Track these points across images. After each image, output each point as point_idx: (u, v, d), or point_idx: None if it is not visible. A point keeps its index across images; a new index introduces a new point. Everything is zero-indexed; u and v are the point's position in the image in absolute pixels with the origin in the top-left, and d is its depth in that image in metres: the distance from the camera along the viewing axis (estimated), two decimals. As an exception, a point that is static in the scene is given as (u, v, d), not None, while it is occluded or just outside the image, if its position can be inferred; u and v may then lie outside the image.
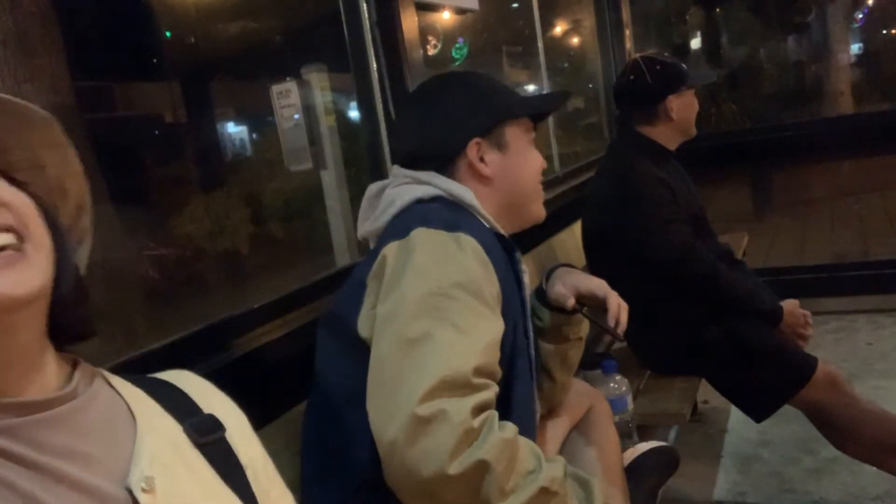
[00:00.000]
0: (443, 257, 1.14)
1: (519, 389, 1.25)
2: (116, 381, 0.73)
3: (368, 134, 2.19)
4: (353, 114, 2.41)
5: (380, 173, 2.16)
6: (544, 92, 1.56)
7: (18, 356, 0.65)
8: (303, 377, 1.33)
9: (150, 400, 0.74)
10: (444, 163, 1.36)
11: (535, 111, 1.44)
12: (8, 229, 0.63)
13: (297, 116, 2.33)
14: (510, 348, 1.22)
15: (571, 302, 1.41)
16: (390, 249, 1.18)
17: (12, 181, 0.68)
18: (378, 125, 2.15)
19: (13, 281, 0.62)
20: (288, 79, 2.30)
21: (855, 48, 8.01)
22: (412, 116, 1.45)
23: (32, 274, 0.64)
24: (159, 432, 0.71)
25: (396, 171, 1.41)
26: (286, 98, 2.30)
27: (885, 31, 8.40)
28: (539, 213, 1.45)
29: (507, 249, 1.30)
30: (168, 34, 2.63)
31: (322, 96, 2.37)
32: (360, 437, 1.13)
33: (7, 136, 0.70)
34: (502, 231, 1.33)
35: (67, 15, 1.18)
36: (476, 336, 1.08)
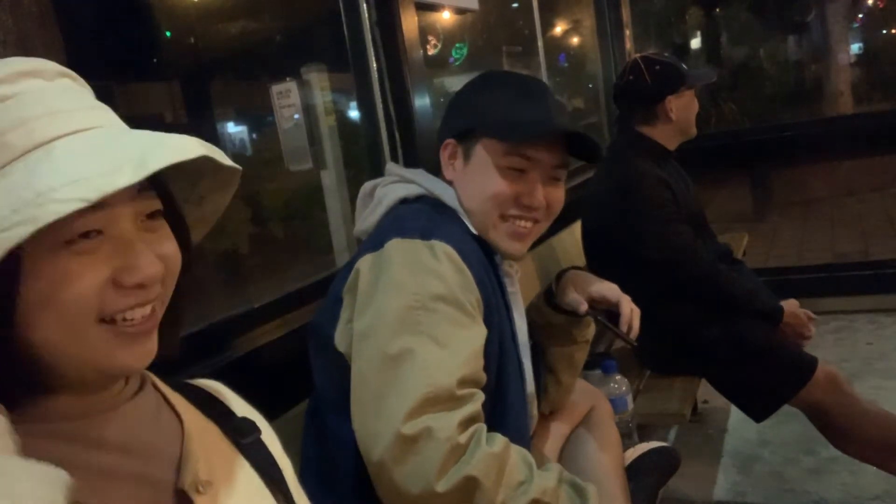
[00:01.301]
0: (418, 268, 1.12)
1: (510, 394, 1.24)
2: (160, 383, 0.74)
3: (368, 134, 2.19)
4: (353, 114, 2.41)
5: (380, 173, 2.16)
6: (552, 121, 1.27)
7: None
8: (303, 377, 1.33)
9: (189, 404, 0.74)
10: (438, 155, 1.36)
11: (505, 136, 1.25)
12: (156, 299, 0.63)
13: (297, 116, 2.33)
14: (497, 354, 1.21)
15: (584, 307, 1.39)
16: (364, 262, 1.17)
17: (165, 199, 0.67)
18: (378, 125, 2.15)
19: (140, 354, 0.63)
20: (288, 79, 2.29)
21: (855, 48, 8.01)
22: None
23: (155, 341, 0.64)
24: (204, 435, 0.72)
25: (389, 168, 1.41)
26: (286, 98, 2.30)
27: (885, 31, 8.40)
28: (504, 248, 1.29)
29: (487, 253, 1.28)
30: (168, 34, 2.63)
31: (322, 96, 2.37)
32: (346, 446, 1.13)
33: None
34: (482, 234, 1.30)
35: (67, 15, 1.18)
36: (457, 348, 1.07)
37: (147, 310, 0.62)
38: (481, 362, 1.12)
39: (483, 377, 1.12)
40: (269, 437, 0.80)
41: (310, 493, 0.83)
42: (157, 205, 0.64)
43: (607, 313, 1.45)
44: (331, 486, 1.20)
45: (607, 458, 1.47)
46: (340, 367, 1.15)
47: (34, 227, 0.52)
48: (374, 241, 1.21)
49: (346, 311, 1.18)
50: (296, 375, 1.38)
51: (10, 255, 0.53)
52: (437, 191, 1.30)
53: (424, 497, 0.99)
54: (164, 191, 0.66)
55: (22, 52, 1.06)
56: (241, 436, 0.75)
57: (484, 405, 1.10)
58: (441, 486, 0.98)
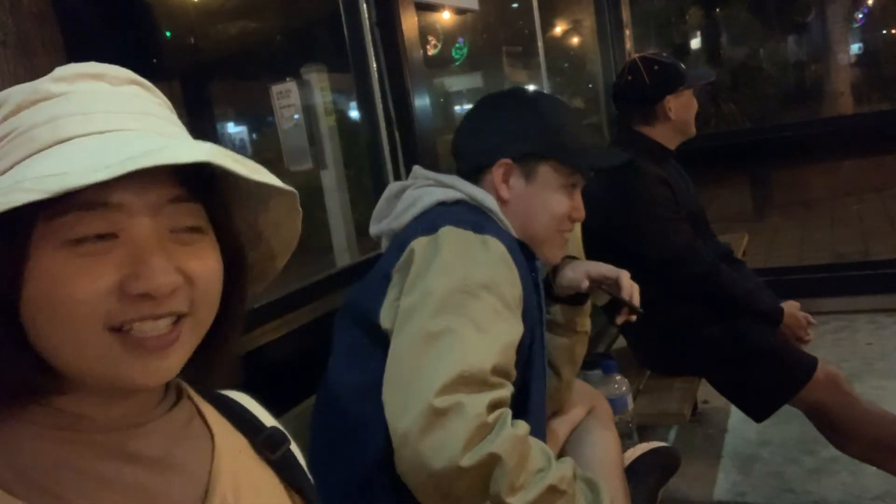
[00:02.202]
0: (469, 257, 1.16)
1: (535, 392, 1.27)
2: (194, 394, 0.72)
3: (368, 134, 2.19)
4: (353, 114, 2.41)
5: (380, 173, 2.16)
6: (605, 147, 1.55)
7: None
8: (303, 377, 1.33)
9: (221, 416, 0.73)
10: (476, 169, 1.38)
11: (576, 164, 1.37)
12: (176, 315, 0.59)
13: (297, 116, 2.33)
14: (527, 351, 1.24)
15: (586, 284, 1.43)
16: (419, 244, 1.20)
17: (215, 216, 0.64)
18: (378, 125, 2.15)
19: (151, 371, 0.59)
20: (288, 79, 2.30)
21: (855, 48, 8.01)
22: (481, 114, 1.46)
23: (174, 361, 0.60)
24: (234, 451, 0.71)
25: (417, 171, 1.43)
26: (286, 98, 2.30)
27: (885, 31, 8.40)
28: (551, 257, 1.42)
29: (527, 256, 1.31)
30: (168, 34, 2.63)
31: (322, 96, 2.37)
32: (369, 428, 1.14)
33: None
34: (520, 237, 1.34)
35: (67, 15, 1.18)
36: (495, 336, 1.10)
37: (161, 325, 0.58)
38: (514, 356, 1.14)
39: (513, 372, 1.14)
40: (295, 448, 0.80)
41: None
42: (192, 219, 0.61)
43: (608, 305, 1.47)
44: (338, 475, 1.20)
45: (607, 458, 1.48)
46: (380, 344, 1.17)
47: None
48: (426, 226, 1.24)
49: (395, 288, 1.20)
50: (296, 375, 1.38)
51: (15, 250, 0.53)
52: (479, 196, 1.33)
53: (447, 471, 0.99)
54: (217, 208, 0.64)
55: (22, 53, 1.06)
56: (272, 450, 0.74)
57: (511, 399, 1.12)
58: (465, 461, 0.99)
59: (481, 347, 1.07)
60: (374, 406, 1.11)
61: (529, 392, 1.25)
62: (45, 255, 0.55)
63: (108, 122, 0.59)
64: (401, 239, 1.29)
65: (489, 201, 1.33)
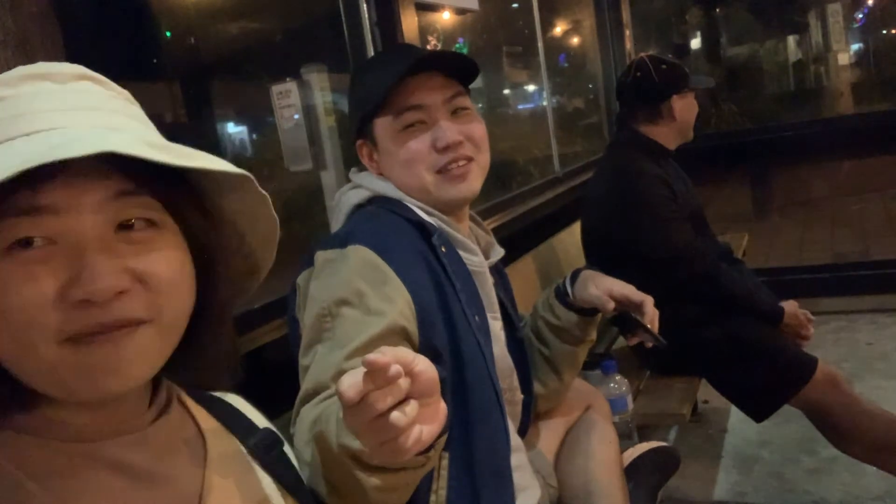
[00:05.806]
0: (332, 277, 1.15)
1: (470, 372, 1.21)
2: (186, 398, 0.71)
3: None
4: (354, 114, 2.40)
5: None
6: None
7: (120, 398, 0.60)
8: (303, 377, 1.33)
9: (214, 420, 0.72)
10: (360, 163, 1.38)
11: (378, 99, 1.26)
12: (134, 322, 0.55)
13: (297, 116, 2.33)
14: (449, 334, 1.19)
15: (612, 305, 1.39)
16: (302, 279, 1.21)
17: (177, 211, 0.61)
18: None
19: (110, 383, 0.55)
20: (288, 79, 2.29)
21: (855, 48, 8.00)
22: None
23: (137, 366, 0.57)
24: (227, 455, 0.70)
25: (350, 174, 1.42)
26: (286, 98, 2.30)
27: (885, 31, 8.40)
28: (451, 194, 1.28)
29: (427, 235, 1.25)
30: (168, 34, 2.63)
31: (322, 96, 2.36)
32: None
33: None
34: (430, 213, 1.28)
35: (68, 15, 1.18)
36: (351, 345, 1.07)
37: (119, 334, 0.54)
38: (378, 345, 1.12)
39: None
40: (288, 449, 0.80)
41: None
42: (142, 211, 0.58)
43: (620, 317, 1.44)
44: None
45: (605, 456, 1.47)
46: None
47: None
48: (310, 256, 1.22)
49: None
50: (297, 375, 1.37)
51: None
52: (379, 188, 1.32)
53: None
54: (179, 203, 0.61)
55: (22, 52, 1.06)
56: (265, 451, 0.74)
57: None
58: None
59: (330, 360, 1.06)
60: None
61: (464, 372, 1.19)
62: None
63: (49, 121, 0.56)
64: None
65: (390, 190, 1.30)
